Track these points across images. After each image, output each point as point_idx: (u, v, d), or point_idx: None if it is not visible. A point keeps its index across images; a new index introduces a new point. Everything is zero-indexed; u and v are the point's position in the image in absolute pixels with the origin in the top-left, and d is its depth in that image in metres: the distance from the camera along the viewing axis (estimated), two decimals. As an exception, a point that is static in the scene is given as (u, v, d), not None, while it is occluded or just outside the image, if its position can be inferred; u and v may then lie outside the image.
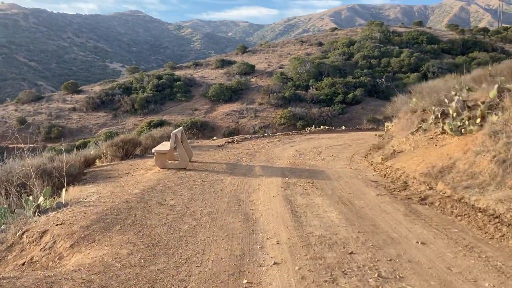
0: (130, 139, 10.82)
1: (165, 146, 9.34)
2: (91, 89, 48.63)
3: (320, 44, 58.72)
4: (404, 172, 7.59)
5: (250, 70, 47.81)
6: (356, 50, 51.12)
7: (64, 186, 7.63)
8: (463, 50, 52.22)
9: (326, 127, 16.97)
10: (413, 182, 6.99)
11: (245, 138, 14.82)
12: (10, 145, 36.59)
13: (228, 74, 48.17)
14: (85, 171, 9.36)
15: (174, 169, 8.88)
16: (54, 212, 5.96)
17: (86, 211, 5.90)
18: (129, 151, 10.67)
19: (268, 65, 51.08)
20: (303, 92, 39.93)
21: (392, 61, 46.64)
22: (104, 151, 10.73)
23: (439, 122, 8.25)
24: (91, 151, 11.05)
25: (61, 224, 5.36)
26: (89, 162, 10.17)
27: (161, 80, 45.63)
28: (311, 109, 36.24)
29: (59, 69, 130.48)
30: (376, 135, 13.62)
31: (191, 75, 49.55)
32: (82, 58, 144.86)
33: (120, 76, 79.61)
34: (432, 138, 8.24)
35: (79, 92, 47.48)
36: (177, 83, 45.30)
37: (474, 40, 55.36)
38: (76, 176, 8.40)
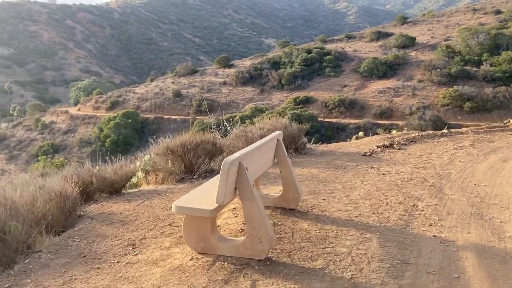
0: (199, 143, 5.67)
1: (210, 194, 3.12)
2: (242, 63, 49.10)
3: (498, 12, 49.92)
4: None
5: (409, 42, 42.71)
6: (547, 17, 41.96)
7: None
8: None
9: (540, 120, 11.24)
10: None
11: (412, 138, 9.06)
12: (164, 116, 38.94)
13: (383, 47, 43.82)
14: (86, 209, 4.69)
15: (232, 263, 3.00)
16: None
17: None
18: (195, 165, 5.61)
19: (431, 37, 45.06)
20: (474, 69, 34.06)
21: None
22: (155, 160, 5.83)
23: None
24: (135, 163, 6.04)
25: None
26: (117, 186, 5.19)
27: (310, 54, 43.62)
28: (483, 88, 30.54)
29: (219, 45, 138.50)
30: None
31: (343, 48, 46.40)
32: (240, 34, 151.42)
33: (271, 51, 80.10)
34: None
35: (230, 66, 48.27)
36: (327, 57, 42.81)
37: None
38: (30, 244, 3.54)
